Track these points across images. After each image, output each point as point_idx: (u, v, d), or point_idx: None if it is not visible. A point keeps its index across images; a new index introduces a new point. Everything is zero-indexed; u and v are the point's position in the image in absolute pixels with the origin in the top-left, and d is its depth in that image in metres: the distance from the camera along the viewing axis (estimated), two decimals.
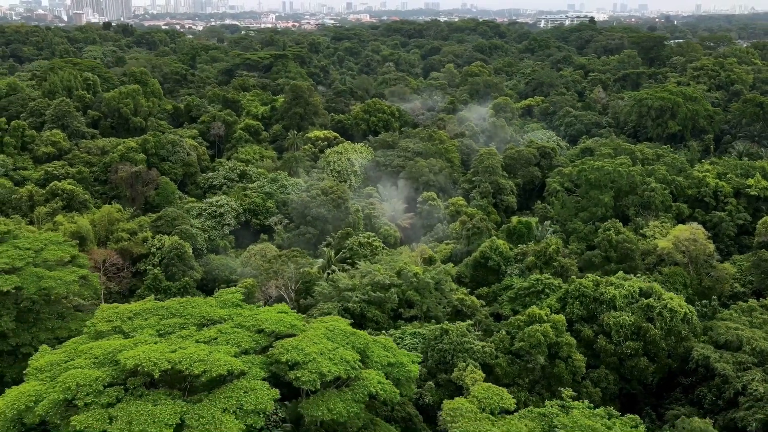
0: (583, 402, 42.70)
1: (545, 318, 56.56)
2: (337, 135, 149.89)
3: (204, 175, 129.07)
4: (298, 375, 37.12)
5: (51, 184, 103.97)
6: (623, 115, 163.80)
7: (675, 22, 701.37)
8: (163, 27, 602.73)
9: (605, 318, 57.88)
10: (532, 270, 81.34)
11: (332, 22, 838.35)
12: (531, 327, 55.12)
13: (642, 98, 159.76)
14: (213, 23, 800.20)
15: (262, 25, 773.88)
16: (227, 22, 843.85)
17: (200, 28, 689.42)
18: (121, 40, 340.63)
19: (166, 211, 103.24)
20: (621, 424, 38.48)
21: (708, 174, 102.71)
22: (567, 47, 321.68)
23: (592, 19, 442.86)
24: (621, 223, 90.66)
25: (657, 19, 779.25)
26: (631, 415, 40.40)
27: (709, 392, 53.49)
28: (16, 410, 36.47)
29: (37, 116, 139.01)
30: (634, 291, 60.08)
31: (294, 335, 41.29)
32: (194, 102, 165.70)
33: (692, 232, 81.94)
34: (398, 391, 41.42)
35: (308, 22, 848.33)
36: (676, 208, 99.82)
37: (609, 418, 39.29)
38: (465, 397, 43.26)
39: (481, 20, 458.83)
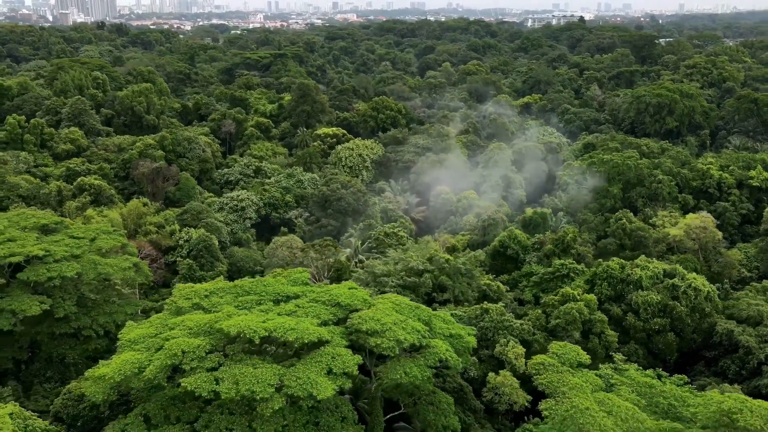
0: (632, 365, 46.69)
1: (578, 297, 60.68)
2: (345, 132, 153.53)
3: (220, 171, 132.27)
4: (378, 342, 40.86)
5: (78, 180, 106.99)
6: (622, 112, 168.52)
7: (660, 21, 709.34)
8: (151, 27, 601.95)
9: (634, 297, 62.11)
10: (550, 257, 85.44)
11: (320, 21, 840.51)
12: (566, 305, 59.20)
13: (640, 95, 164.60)
14: (201, 23, 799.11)
15: (251, 25, 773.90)
16: (214, 21, 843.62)
17: (188, 27, 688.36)
18: (116, 39, 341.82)
19: (191, 204, 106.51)
20: (671, 383, 42.44)
21: (711, 166, 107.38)
22: (559, 46, 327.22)
23: (581, 19, 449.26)
24: (631, 214, 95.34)
25: (642, 19, 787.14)
26: (679, 375, 44.46)
27: (732, 363, 57.86)
28: (123, 375, 39.98)
29: (53, 114, 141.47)
30: (658, 272, 64.38)
31: (363, 309, 45.07)
32: (203, 100, 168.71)
33: (702, 220, 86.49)
34: (460, 360, 45.25)
35: (296, 22, 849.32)
36: (682, 199, 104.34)
37: (659, 378, 43.27)
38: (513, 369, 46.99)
39: (472, 20, 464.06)
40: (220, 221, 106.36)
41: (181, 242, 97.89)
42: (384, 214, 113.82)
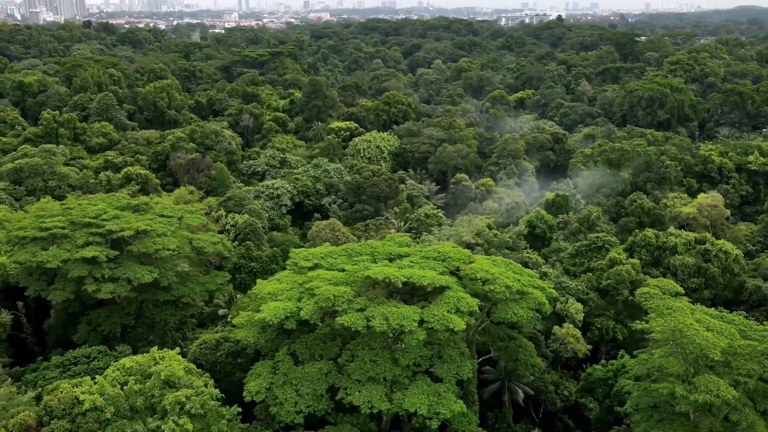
0: (698, 305, 55.09)
1: (623, 261, 69.28)
2: (357, 125, 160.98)
3: (246, 162, 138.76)
4: (492, 288, 48.79)
5: (125, 170, 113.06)
6: (616, 106, 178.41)
7: (630, 20, 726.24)
8: (126, 26, 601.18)
9: (671, 260, 70.93)
10: (576, 235, 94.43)
11: (294, 20, 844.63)
12: (615, 268, 67.76)
13: (633, 90, 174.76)
14: (177, 22, 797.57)
15: (226, 24, 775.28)
16: (189, 21, 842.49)
17: (163, 26, 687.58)
18: (106, 38, 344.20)
19: (233, 192, 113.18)
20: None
21: (712, 152, 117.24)
22: (541, 44, 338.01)
23: (559, 17, 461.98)
24: (644, 196, 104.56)
25: (612, 18, 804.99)
26: (737, 311, 52.95)
27: (761, 315, 66.84)
28: (279, 318, 47.36)
29: (80, 110, 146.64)
30: (690, 240, 73.30)
31: (467, 264, 53.02)
32: (216, 96, 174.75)
33: (713, 199, 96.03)
34: (548, 306, 53.38)
35: (272, 21, 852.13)
36: (686, 182, 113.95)
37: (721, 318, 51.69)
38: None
39: (453, 19, 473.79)
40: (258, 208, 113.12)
41: (227, 227, 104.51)
42: (409, 201, 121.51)
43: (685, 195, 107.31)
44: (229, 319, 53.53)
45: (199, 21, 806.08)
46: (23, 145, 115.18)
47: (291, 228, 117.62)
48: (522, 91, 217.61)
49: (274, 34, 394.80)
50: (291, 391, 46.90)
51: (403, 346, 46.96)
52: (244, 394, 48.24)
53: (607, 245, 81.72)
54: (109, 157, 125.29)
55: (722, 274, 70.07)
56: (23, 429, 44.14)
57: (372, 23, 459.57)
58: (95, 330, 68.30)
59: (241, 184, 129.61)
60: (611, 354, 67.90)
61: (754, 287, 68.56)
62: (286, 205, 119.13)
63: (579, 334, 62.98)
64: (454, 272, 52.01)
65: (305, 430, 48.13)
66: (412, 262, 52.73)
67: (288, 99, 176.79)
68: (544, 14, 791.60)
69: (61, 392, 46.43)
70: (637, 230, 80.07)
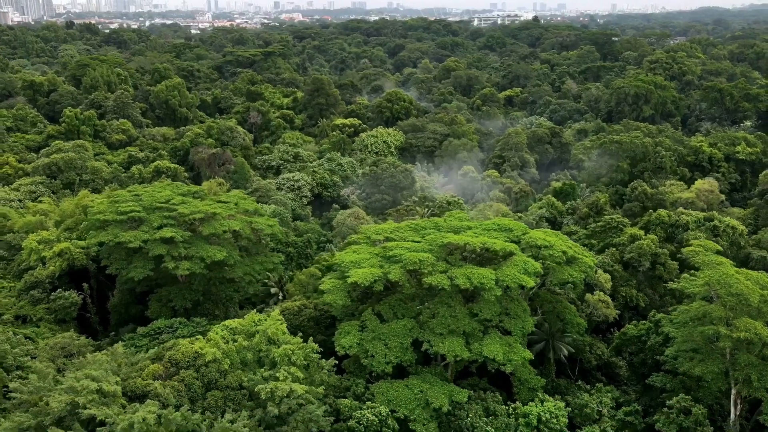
0: None
1: (643, 236, 77.47)
2: (361, 122, 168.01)
3: (260, 157, 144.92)
4: (551, 252, 56.46)
5: (155, 163, 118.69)
6: (603, 102, 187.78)
7: (599, 21, 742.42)
8: (109, 26, 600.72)
9: (685, 236, 79.31)
10: (586, 219, 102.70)
11: (266, 21, 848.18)
12: (637, 243, 75.89)
13: (619, 87, 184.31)
14: (151, 23, 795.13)
15: (200, 25, 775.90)
16: (159, 21, 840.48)
17: (135, 26, 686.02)
18: (92, 39, 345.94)
19: (259, 184, 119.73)
20: None
21: (702, 143, 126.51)
22: (520, 44, 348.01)
23: (535, 18, 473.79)
24: (644, 183, 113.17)
25: (582, 18, 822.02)
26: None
27: None
28: (369, 281, 54.32)
29: (96, 108, 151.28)
30: (700, 218, 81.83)
31: (523, 234, 60.68)
32: (222, 95, 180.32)
33: (710, 184, 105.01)
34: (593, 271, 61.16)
35: (246, 21, 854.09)
36: (680, 171, 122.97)
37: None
38: None
39: (432, 19, 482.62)
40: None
41: None
42: (421, 191, 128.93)
43: (680, 183, 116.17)
44: (319, 287, 60.07)
45: (173, 21, 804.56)
46: (56, 141, 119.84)
47: (313, 218, 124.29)
48: (510, 90, 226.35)
49: (257, 34, 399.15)
50: (380, 345, 53.93)
51: (477, 304, 54.28)
52: (336, 348, 55.10)
53: (620, 225, 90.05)
54: (132, 152, 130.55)
55: (730, 246, 78.58)
56: (155, 377, 50.47)
57: (353, 24, 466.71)
58: (166, 305, 74.36)
59: (259, 177, 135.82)
60: (633, 320, 75.89)
61: (759, 257, 77.14)
62: (306, 197, 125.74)
63: (609, 300, 70.89)
64: (515, 242, 59.45)
65: (393, 377, 55.08)
66: (476, 233, 60.04)
67: (291, 97, 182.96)
68: (516, 15, 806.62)
69: (182, 348, 52.87)
70: (651, 211, 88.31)
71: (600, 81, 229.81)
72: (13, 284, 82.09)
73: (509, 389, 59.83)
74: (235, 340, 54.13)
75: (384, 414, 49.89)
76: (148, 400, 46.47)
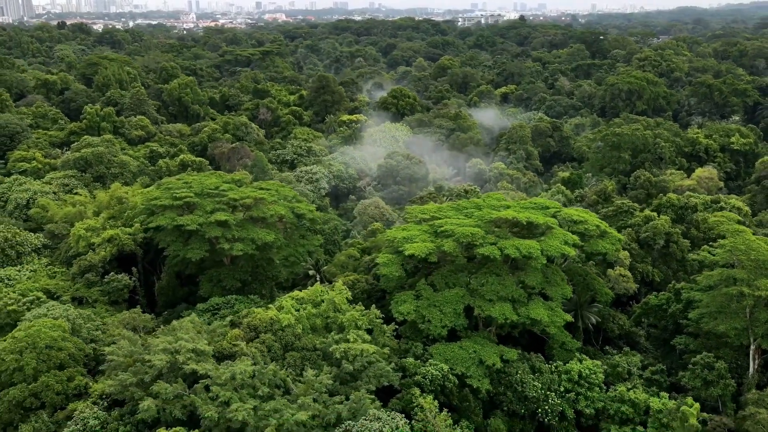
0: None
1: (656, 217, 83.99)
2: (366, 118, 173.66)
3: (274, 151, 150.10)
4: (587, 227, 62.70)
5: (180, 157, 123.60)
6: (597, 98, 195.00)
7: (581, 21, 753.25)
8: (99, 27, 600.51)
9: (694, 217, 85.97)
10: (595, 206, 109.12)
11: (250, 21, 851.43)
12: (652, 222, 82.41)
13: (613, 83, 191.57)
14: (135, 23, 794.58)
15: (184, 25, 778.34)
16: (145, 22, 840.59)
17: (119, 26, 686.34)
18: (86, 39, 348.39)
19: (281, 176, 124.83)
20: None
21: (699, 135, 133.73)
22: (510, 43, 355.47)
23: (522, 17, 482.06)
24: (647, 173, 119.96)
25: (563, 18, 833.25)
26: None
27: None
28: (424, 253, 60.22)
29: (112, 105, 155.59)
30: (707, 200, 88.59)
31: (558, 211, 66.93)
32: (230, 92, 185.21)
33: (709, 172, 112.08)
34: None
35: (231, 21, 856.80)
36: (678, 161, 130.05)
37: None
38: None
39: (419, 19, 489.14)
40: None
41: None
42: (434, 182, 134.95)
43: (679, 172, 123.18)
44: (376, 262, 65.70)
45: (158, 22, 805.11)
46: (84, 136, 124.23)
47: (331, 208, 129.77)
48: (505, 87, 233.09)
49: (250, 34, 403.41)
50: (436, 311, 59.80)
51: (523, 273, 60.37)
52: (394, 315, 60.89)
53: (631, 210, 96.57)
54: (153, 147, 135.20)
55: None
56: (238, 340, 55.87)
57: (342, 23, 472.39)
58: (216, 285, 79.50)
59: (276, 170, 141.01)
60: (648, 294, 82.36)
61: (762, 235, 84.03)
62: (324, 188, 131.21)
63: (629, 274, 77.26)
64: (553, 217, 65.62)
65: (446, 341, 60.95)
66: (516, 211, 66.06)
67: (296, 95, 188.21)
68: (499, 15, 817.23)
69: (258, 315, 58.37)
70: (661, 195, 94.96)
71: (591, 78, 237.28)
72: (62, 269, 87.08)
73: (542, 355, 66.03)
74: (303, 309, 59.73)
75: (445, 370, 55.73)
76: (243, 357, 51.96)
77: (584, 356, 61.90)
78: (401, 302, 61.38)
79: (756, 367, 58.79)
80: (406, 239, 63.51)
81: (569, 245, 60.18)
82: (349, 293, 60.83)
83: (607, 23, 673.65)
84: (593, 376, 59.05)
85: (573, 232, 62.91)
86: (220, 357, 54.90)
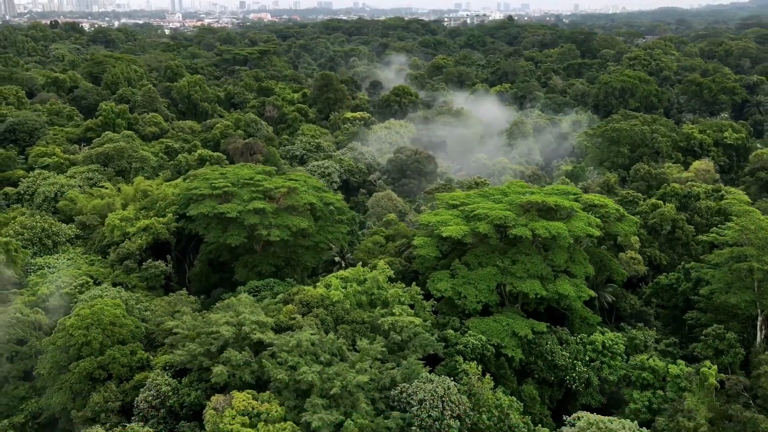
0: None
1: (662, 205, 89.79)
2: (370, 115, 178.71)
3: (284, 147, 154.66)
4: (607, 210, 68.18)
5: (198, 152, 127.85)
6: (591, 96, 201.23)
7: (565, 21, 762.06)
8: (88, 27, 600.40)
9: (697, 205, 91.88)
10: None
11: (235, 20, 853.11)
12: (659, 209, 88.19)
13: (607, 81, 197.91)
14: (121, 22, 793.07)
15: (170, 25, 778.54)
16: (125, 20, 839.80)
17: (104, 26, 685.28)
18: (80, 38, 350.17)
19: (295, 170, 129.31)
20: None
21: (693, 130, 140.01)
22: (500, 43, 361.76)
23: (510, 17, 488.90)
24: (647, 166, 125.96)
25: (547, 18, 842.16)
26: None
27: None
28: (460, 235, 65.41)
29: (125, 102, 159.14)
30: (708, 189, 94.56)
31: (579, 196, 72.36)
32: (235, 90, 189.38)
33: (706, 165, 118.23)
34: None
35: (217, 21, 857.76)
36: (674, 155, 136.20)
37: None
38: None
39: (409, 19, 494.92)
40: None
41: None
42: (441, 176, 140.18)
43: (676, 165, 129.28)
44: (412, 244, 70.72)
45: (144, 21, 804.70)
46: (105, 132, 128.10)
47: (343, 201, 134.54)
48: (499, 85, 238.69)
49: (242, 33, 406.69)
50: (471, 288, 64.98)
51: (551, 252, 65.74)
52: (432, 292, 66.04)
53: (635, 200, 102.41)
54: (168, 143, 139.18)
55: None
56: (293, 314, 60.62)
57: (333, 23, 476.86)
58: (252, 270, 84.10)
59: (287, 165, 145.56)
60: (656, 276, 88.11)
61: None
62: (336, 182, 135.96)
63: (640, 258, 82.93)
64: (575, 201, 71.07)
65: (480, 316, 66.11)
66: (542, 196, 71.37)
67: (300, 92, 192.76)
68: (485, 15, 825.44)
69: (309, 292, 63.23)
70: (666, 185, 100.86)
71: (582, 77, 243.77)
72: (98, 258, 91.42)
73: None
74: (350, 286, 64.68)
75: (483, 340, 60.92)
76: (304, 327, 56.82)
77: (606, 329, 67.33)
78: (438, 280, 66.45)
79: (762, 336, 64.49)
80: (441, 222, 68.65)
81: (593, 227, 65.57)
82: (391, 271, 65.80)
83: (591, 23, 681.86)
84: (615, 346, 64.47)
85: (594, 215, 68.33)
86: (278, 329, 59.62)
